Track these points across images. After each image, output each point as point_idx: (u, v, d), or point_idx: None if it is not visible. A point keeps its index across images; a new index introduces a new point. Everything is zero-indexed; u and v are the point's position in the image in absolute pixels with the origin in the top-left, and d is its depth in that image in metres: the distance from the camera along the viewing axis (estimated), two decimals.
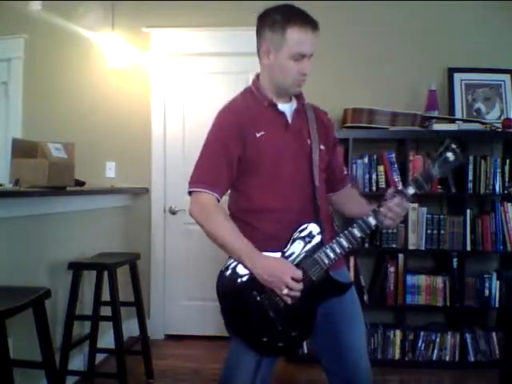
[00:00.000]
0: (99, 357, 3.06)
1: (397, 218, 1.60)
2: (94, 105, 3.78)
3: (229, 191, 1.72)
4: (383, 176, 3.26)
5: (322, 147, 1.72)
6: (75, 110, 3.79)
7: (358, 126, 3.23)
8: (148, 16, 3.73)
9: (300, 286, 1.52)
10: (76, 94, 3.80)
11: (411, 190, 1.60)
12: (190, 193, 1.65)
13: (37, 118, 3.80)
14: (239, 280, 1.58)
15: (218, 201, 1.62)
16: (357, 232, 1.60)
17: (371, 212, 1.61)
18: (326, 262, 1.58)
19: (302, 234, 1.61)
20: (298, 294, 1.52)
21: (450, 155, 1.59)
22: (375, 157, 3.28)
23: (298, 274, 1.53)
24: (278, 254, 1.59)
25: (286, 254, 1.60)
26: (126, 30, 3.72)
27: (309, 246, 1.60)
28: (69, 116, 3.78)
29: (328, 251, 1.58)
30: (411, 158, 3.24)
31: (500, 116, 3.41)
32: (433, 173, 1.60)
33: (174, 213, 3.78)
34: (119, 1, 3.70)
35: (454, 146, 1.59)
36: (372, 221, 1.60)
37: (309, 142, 1.69)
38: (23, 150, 2.66)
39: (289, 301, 1.53)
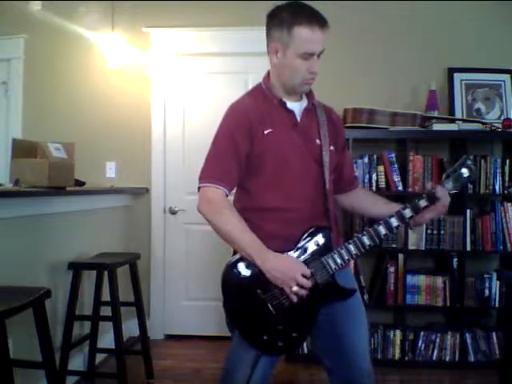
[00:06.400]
0: (99, 357, 3.06)
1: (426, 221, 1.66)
2: (93, 105, 3.78)
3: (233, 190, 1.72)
4: (383, 176, 3.25)
5: (332, 148, 1.72)
6: (75, 111, 3.79)
7: (358, 126, 3.23)
8: (148, 16, 3.73)
9: (309, 283, 1.53)
10: (76, 94, 3.80)
11: (424, 203, 1.62)
12: (198, 188, 1.64)
13: (37, 118, 3.80)
14: (244, 275, 1.59)
15: (227, 196, 1.62)
16: (366, 240, 1.60)
17: (381, 221, 1.62)
18: (333, 266, 1.59)
19: (312, 236, 1.62)
20: (305, 292, 1.53)
21: (465, 171, 1.62)
22: (375, 157, 3.28)
23: (307, 271, 1.54)
24: (289, 254, 1.60)
25: (294, 254, 1.60)
26: (126, 29, 3.72)
27: (317, 249, 1.61)
28: (69, 116, 3.78)
29: (335, 256, 1.59)
30: (411, 158, 3.24)
31: (500, 116, 3.41)
32: (447, 187, 1.62)
33: (174, 213, 3.78)
34: (119, 1, 3.70)
35: (469, 162, 1.62)
36: (382, 230, 1.61)
37: (318, 142, 1.68)
38: (23, 149, 2.66)
39: (295, 299, 1.54)
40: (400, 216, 1.63)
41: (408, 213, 1.63)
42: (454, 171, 1.62)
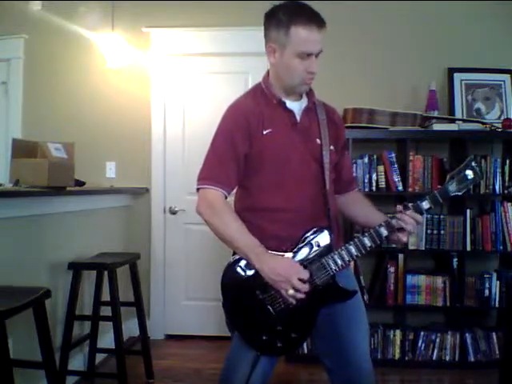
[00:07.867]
0: (99, 357, 3.06)
1: (411, 230, 1.59)
2: (93, 105, 3.78)
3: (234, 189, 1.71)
4: (383, 176, 3.25)
5: (332, 147, 1.71)
6: (75, 110, 3.79)
7: (358, 126, 3.23)
8: (148, 16, 3.73)
9: (306, 287, 1.51)
10: (76, 94, 3.80)
11: (427, 205, 1.61)
12: (197, 190, 1.64)
13: (37, 118, 3.80)
14: (244, 276, 1.58)
15: (226, 197, 1.62)
16: (367, 241, 1.59)
17: (383, 223, 1.60)
18: (333, 268, 1.58)
19: (312, 237, 1.61)
20: (302, 295, 1.52)
21: (469, 173, 1.60)
22: (375, 157, 3.28)
23: (305, 274, 1.52)
24: (289, 254, 1.59)
25: (295, 256, 1.60)
26: (126, 29, 3.72)
27: (317, 250, 1.60)
28: (69, 116, 3.78)
29: (336, 257, 1.58)
30: (411, 158, 3.24)
31: (500, 116, 3.41)
32: (450, 189, 1.61)
33: (174, 213, 3.78)
34: (119, 1, 3.70)
35: (474, 164, 1.61)
36: (384, 231, 1.60)
37: (318, 141, 1.67)
38: (23, 149, 2.66)
39: (293, 302, 1.53)
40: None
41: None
42: (459, 173, 1.60)
